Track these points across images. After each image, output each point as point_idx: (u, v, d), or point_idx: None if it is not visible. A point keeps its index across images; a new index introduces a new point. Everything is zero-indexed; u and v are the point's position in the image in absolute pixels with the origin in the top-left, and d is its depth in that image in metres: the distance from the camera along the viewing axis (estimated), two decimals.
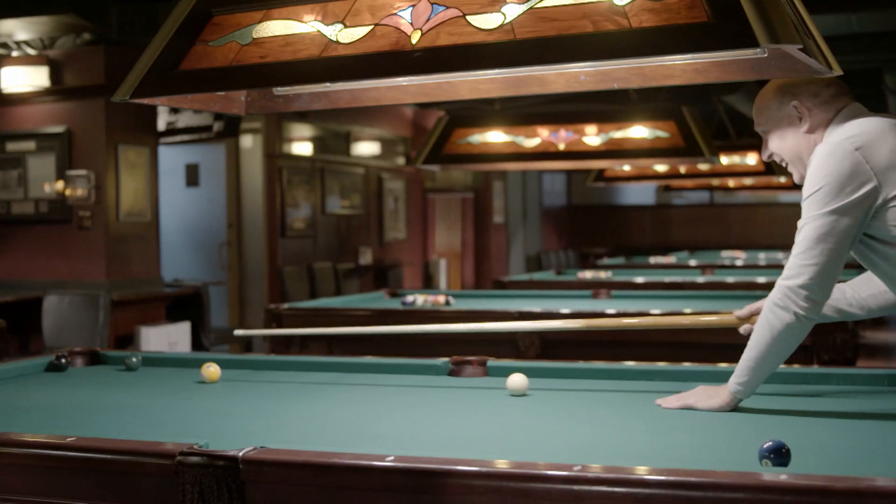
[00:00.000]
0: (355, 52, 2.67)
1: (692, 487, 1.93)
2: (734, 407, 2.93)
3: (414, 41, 2.60)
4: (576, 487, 1.98)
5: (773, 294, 2.87)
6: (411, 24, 2.62)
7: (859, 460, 2.34)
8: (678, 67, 2.86)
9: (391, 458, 2.14)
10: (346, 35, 2.70)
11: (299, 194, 13.08)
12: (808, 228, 2.82)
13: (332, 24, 2.73)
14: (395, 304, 6.79)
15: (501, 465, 2.08)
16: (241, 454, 2.21)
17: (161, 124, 11.03)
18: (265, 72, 2.78)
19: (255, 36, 2.82)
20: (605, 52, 2.48)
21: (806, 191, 2.85)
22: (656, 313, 5.70)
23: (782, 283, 2.85)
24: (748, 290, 8.04)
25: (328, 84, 3.11)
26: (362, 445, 2.47)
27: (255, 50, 2.80)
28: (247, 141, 12.54)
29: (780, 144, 3.06)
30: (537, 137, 8.13)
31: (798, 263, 2.82)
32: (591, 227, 21.67)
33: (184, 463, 2.24)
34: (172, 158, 12.52)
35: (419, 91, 3.21)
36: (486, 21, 2.54)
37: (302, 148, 13.34)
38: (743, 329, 3.22)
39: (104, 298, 8.98)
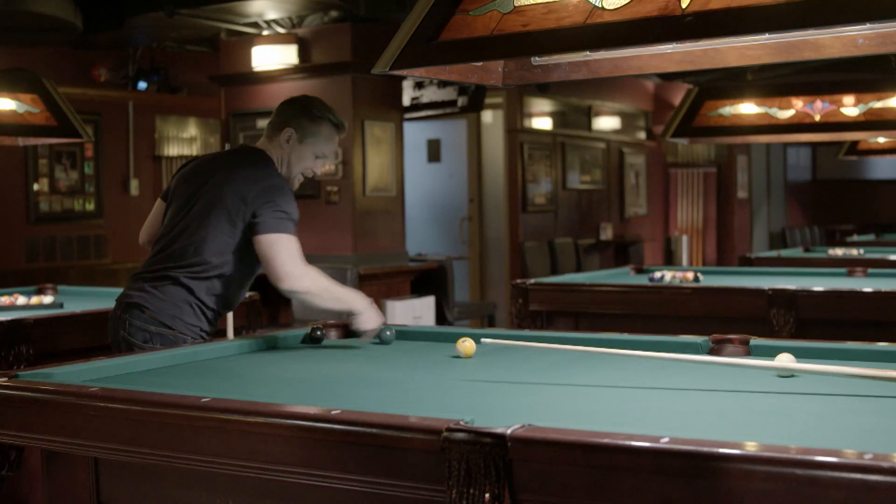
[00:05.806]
0: (622, 18, 2.57)
1: None
2: None
3: (684, 5, 2.48)
4: (868, 477, 1.84)
5: None
6: None
7: None
8: None
9: (666, 439, 2.04)
10: (612, 0, 2.60)
11: (540, 169, 13.05)
12: None
13: None
14: (641, 281, 6.66)
15: (788, 450, 1.95)
16: (508, 432, 2.15)
17: (406, 100, 11.15)
18: (527, 40, 2.71)
19: (516, 4, 2.75)
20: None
21: None
22: None
23: None
24: None
25: (588, 53, 3.03)
26: (628, 424, 2.38)
27: (517, 18, 2.73)
28: (487, 116, 12.57)
29: None
30: (791, 109, 7.84)
31: None
32: (837, 202, 20.80)
33: (450, 439, 2.19)
34: (414, 134, 12.65)
35: (684, 58, 3.08)
36: None
37: (542, 122, 13.29)
38: None
39: (352, 272, 9.15)
